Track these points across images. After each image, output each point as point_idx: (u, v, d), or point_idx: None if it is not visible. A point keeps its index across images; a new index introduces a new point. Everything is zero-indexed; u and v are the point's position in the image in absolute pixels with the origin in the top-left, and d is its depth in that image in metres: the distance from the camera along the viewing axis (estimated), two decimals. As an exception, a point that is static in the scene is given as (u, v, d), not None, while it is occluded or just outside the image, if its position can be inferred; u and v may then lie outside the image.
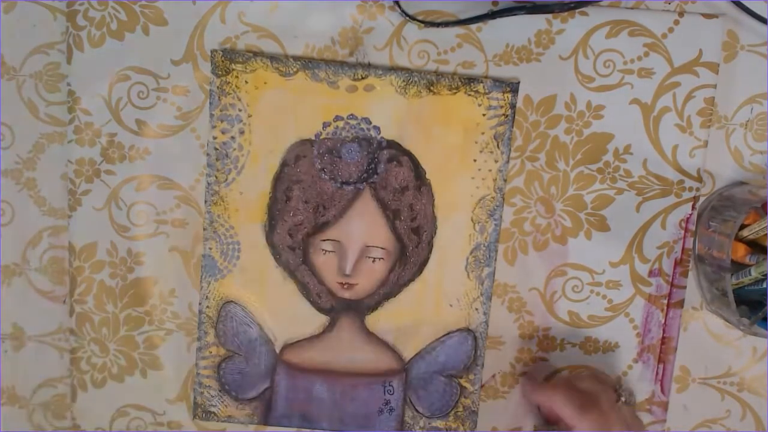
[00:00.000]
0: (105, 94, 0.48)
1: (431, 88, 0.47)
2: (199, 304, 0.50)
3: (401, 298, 0.50)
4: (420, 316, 0.50)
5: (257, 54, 0.48)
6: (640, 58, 0.48)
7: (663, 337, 0.51)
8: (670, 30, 0.48)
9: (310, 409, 0.50)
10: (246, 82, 0.47)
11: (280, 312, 0.50)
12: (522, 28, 0.48)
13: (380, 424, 0.50)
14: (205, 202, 0.49)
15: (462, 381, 0.50)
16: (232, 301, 0.50)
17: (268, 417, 0.50)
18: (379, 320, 0.50)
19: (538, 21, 0.48)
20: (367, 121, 0.48)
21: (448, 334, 0.50)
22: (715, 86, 0.48)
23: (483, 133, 0.48)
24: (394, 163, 0.48)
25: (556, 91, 0.48)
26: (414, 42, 0.48)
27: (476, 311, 0.49)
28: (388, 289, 0.49)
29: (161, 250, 0.50)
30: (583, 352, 0.51)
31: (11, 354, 0.52)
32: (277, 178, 0.48)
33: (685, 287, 0.50)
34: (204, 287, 0.49)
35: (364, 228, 0.48)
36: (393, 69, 0.48)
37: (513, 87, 0.47)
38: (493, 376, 0.51)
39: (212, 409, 0.51)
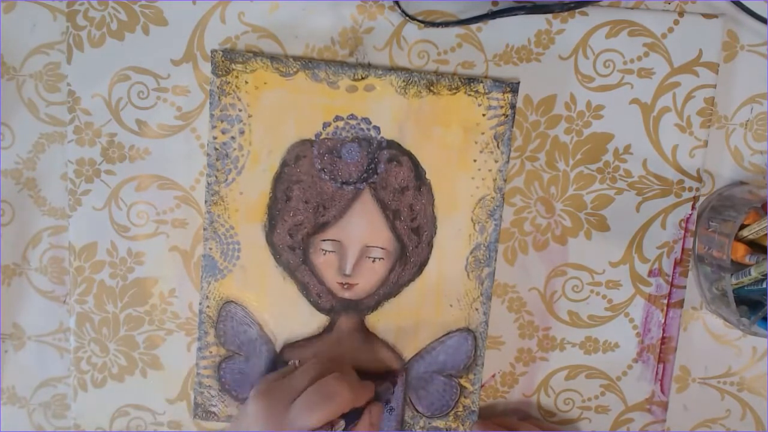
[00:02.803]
0: (105, 94, 0.48)
1: (431, 88, 0.47)
2: (199, 304, 0.50)
3: (401, 298, 0.50)
4: (420, 316, 0.50)
5: (257, 54, 0.48)
6: (640, 58, 0.48)
7: (663, 337, 0.51)
8: (670, 30, 0.48)
9: (310, 409, 0.50)
10: (246, 82, 0.47)
11: (280, 312, 0.50)
12: (522, 28, 0.48)
13: (380, 424, 0.50)
14: (205, 202, 0.49)
15: (462, 381, 0.50)
16: (232, 301, 0.50)
17: (268, 417, 0.50)
18: (379, 320, 0.50)
19: (538, 21, 0.48)
20: (367, 121, 0.48)
21: (448, 334, 0.50)
22: (715, 86, 0.48)
23: (483, 133, 0.48)
24: (394, 163, 0.48)
25: (556, 91, 0.48)
26: (414, 42, 0.48)
27: (476, 311, 0.49)
28: (388, 289, 0.49)
29: (161, 250, 0.50)
30: (583, 352, 0.51)
31: (11, 354, 0.52)
32: (277, 178, 0.48)
33: (685, 287, 0.50)
34: (204, 287, 0.49)
35: (364, 228, 0.48)
36: (393, 69, 0.48)
37: (513, 87, 0.47)
38: (493, 376, 0.51)
39: (212, 409, 0.51)
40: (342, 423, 0.42)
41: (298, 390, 0.43)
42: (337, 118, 0.48)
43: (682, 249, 0.50)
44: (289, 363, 0.48)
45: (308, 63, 0.47)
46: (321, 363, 0.45)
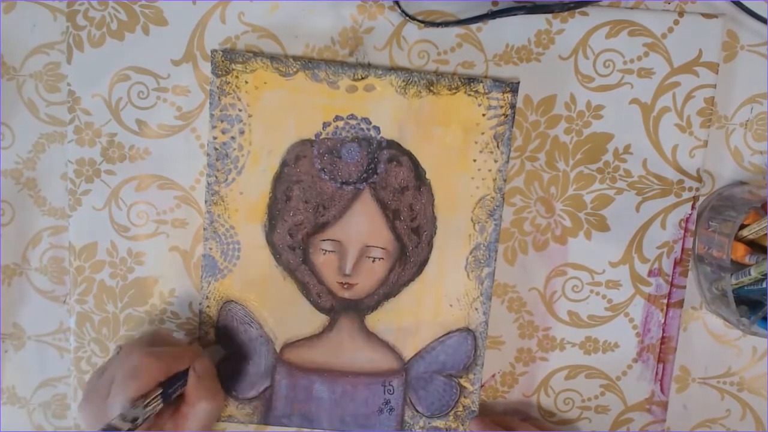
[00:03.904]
0: (105, 94, 0.48)
1: (431, 88, 0.47)
2: (200, 304, 0.50)
3: (401, 298, 0.50)
4: (420, 316, 0.50)
5: (257, 54, 0.48)
6: (639, 58, 0.48)
7: (663, 337, 0.51)
8: (670, 30, 0.48)
9: (310, 408, 0.50)
10: (246, 82, 0.47)
11: (280, 312, 0.50)
12: (522, 28, 0.48)
13: (380, 424, 0.50)
14: (205, 202, 0.49)
15: (462, 381, 0.50)
16: (232, 301, 0.50)
17: (268, 417, 0.50)
18: (379, 320, 0.50)
19: (538, 21, 0.48)
20: (367, 121, 0.48)
21: (447, 334, 0.50)
22: (714, 86, 0.48)
23: (483, 133, 0.48)
24: (394, 163, 0.48)
25: (556, 91, 0.48)
26: (414, 42, 0.48)
27: (476, 311, 0.49)
28: (388, 289, 0.49)
29: (161, 250, 0.50)
30: (583, 352, 0.51)
31: (11, 354, 0.52)
32: (277, 178, 0.48)
33: (684, 287, 0.50)
34: (204, 287, 0.49)
35: (364, 228, 0.49)
36: (393, 69, 0.48)
37: (513, 87, 0.47)
38: (493, 375, 0.51)
39: (212, 409, 0.50)
40: (158, 390, 0.42)
41: (112, 381, 0.42)
42: (337, 118, 0.48)
43: (682, 249, 0.50)
44: (114, 350, 0.47)
45: (308, 63, 0.47)
46: (132, 347, 0.45)
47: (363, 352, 0.50)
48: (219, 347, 0.49)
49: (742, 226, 0.46)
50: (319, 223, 0.49)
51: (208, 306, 0.50)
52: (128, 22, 0.48)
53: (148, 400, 0.41)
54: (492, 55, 0.48)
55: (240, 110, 0.48)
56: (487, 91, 0.47)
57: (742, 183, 0.50)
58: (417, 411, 0.51)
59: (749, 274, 0.45)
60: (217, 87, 0.47)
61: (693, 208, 0.49)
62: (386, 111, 0.48)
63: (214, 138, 0.48)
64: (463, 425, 0.51)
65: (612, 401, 0.52)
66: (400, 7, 0.47)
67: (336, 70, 0.47)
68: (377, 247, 0.49)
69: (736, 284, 0.46)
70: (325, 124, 0.48)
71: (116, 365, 0.44)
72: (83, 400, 0.43)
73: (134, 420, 0.39)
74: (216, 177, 0.48)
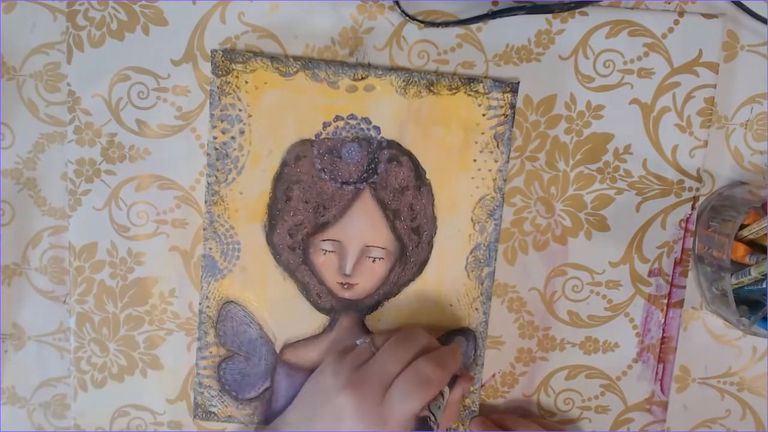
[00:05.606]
0: (105, 94, 0.48)
1: (431, 88, 0.47)
2: (199, 304, 0.50)
3: (401, 298, 0.50)
4: (420, 315, 0.50)
5: (257, 54, 0.48)
6: (639, 58, 0.48)
7: (663, 337, 0.51)
8: (670, 30, 0.48)
9: (310, 409, 0.50)
10: (246, 82, 0.47)
11: (280, 312, 0.50)
12: (522, 28, 0.48)
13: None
14: (205, 202, 0.49)
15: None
16: (232, 301, 0.50)
17: (268, 417, 0.50)
18: (379, 320, 0.50)
19: (538, 21, 0.48)
20: (367, 121, 0.48)
21: (447, 334, 0.50)
22: (715, 86, 0.48)
23: (483, 133, 0.48)
24: (394, 163, 0.48)
25: (556, 91, 0.48)
26: (414, 42, 0.48)
27: (476, 311, 0.49)
28: (388, 289, 0.49)
29: (161, 250, 0.50)
30: (583, 352, 0.51)
31: (11, 354, 0.52)
32: (277, 178, 0.48)
33: (684, 287, 0.50)
34: (204, 287, 0.49)
35: (364, 228, 0.49)
36: (393, 69, 0.48)
37: (513, 87, 0.47)
38: (493, 375, 0.51)
39: (212, 409, 0.51)
40: (440, 397, 0.44)
41: (391, 375, 0.42)
42: (337, 118, 0.48)
43: (682, 249, 0.50)
44: (359, 343, 0.46)
45: (308, 63, 0.47)
46: (399, 341, 0.44)
47: (363, 352, 0.50)
48: (462, 339, 0.49)
49: (742, 226, 0.46)
50: (319, 223, 0.49)
51: (208, 306, 0.50)
52: (128, 22, 0.48)
53: (430, 405, 0.43)
54: (492, 55, 0.48)
55: (240, 110, 0.48)
56: (487, 91, 0.47)
57: (742, 183, 0.50)
58: (417, 411, 0.51)
59: (749, 274, 0.45)
60: (217, 87, 0.47)
61: (693, 208, 0.49)
62: (386, 111, 0.48)
63: (214, 138, 0.48)
64: (463, 425, 0.51)
65: (612, 401, 0.52)
66: (400, 7, 0.47)
67: (336, 70, 0.47)
68: (377, 247, 0.49)
69: (736, 284, 0.46)
70: (325, 124, 0.48)
71: (393, 359, 0.43)
72: (351, 384, 0.42)
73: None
74: (216, 177, 0.48)
